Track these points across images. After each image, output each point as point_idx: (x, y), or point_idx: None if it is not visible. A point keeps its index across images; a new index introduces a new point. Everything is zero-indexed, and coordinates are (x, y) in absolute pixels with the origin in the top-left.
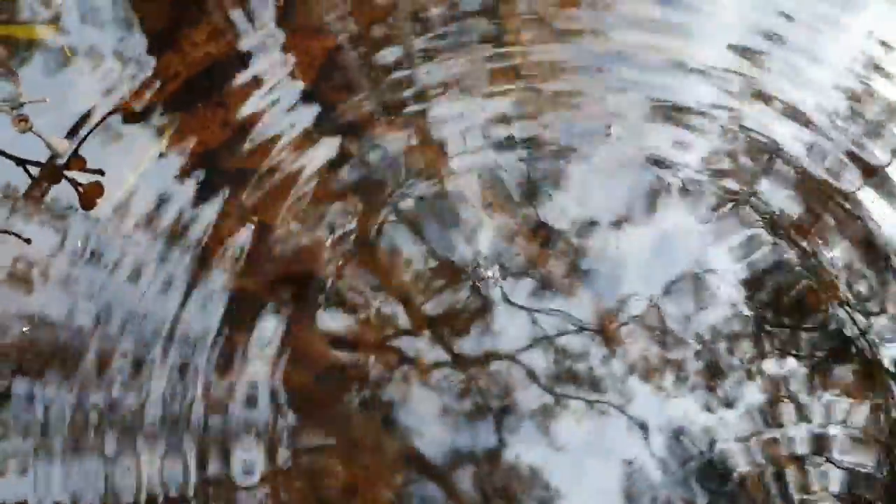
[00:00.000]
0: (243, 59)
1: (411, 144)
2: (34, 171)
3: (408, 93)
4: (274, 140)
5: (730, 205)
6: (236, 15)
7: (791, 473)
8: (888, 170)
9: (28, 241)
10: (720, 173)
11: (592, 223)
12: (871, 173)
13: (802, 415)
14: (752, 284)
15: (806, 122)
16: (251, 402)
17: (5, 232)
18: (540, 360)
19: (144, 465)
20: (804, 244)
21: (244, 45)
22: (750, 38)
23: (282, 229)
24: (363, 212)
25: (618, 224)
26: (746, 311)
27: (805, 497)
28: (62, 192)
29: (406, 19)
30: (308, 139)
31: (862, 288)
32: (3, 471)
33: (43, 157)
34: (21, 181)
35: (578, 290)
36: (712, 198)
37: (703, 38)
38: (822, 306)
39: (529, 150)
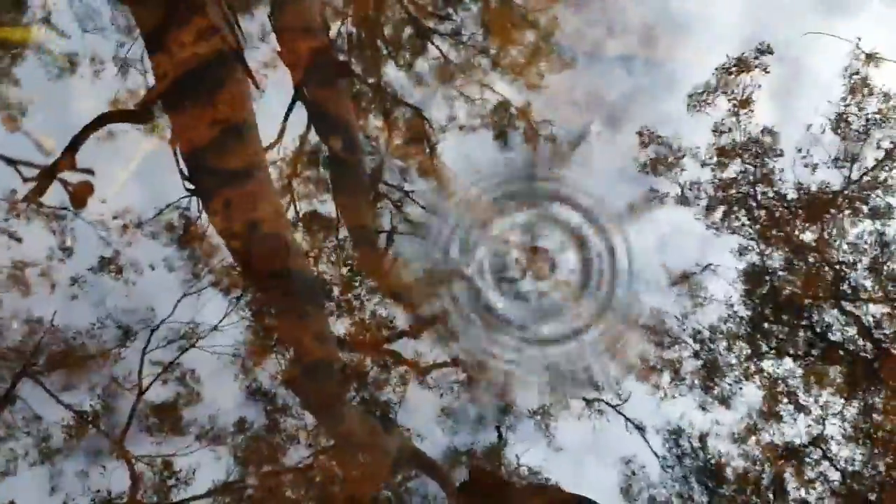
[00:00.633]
0: (231, 60)
1: (403, 143)
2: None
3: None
4: (261, 139)
5: (726, 207)
6: (224, 16)
7: (787, 470)
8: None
9: (19, 240)
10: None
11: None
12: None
13: (798, 413)
14: (749, 285)
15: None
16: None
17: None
18: (538, 360)
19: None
20: (797, 246)
21: (232, 45)
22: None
23: (268, 226)
24: (357, 211)
25: (616, 224)
26: (743, 312)
27: (801, 493)
28: (56, 192)
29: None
30: (296, 139)
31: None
32: (11, 470)
33: (34, 158)
34: (13, 182)
35: (576, 289)
36: (710, 200)
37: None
38: (815, 307)
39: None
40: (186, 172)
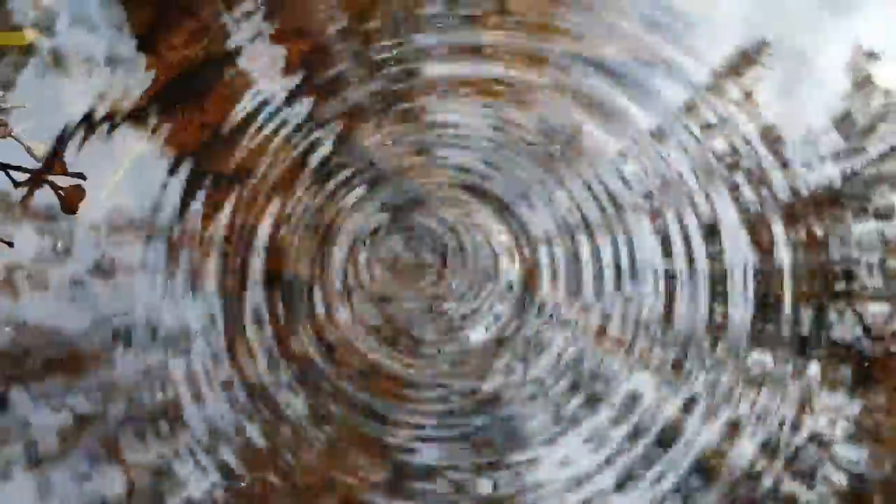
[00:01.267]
0: (222, 62)
1: (399, 144)
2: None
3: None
4: (254, 142)
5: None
6: (216, 17)
7: (788, 471)
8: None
9: (10, 244)
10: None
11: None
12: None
13: (798, 412)
14: (756, 283)
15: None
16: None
17: None
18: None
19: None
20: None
21: (223, 47)
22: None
23: (263, 230)
24: (353, 212)
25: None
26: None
27: (802, 495)
28: (47, 197)
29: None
30: (288, 141)
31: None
32: (4, 476)
33: (24, 162)
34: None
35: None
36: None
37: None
38: (823, 306)
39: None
40: (182, 173)
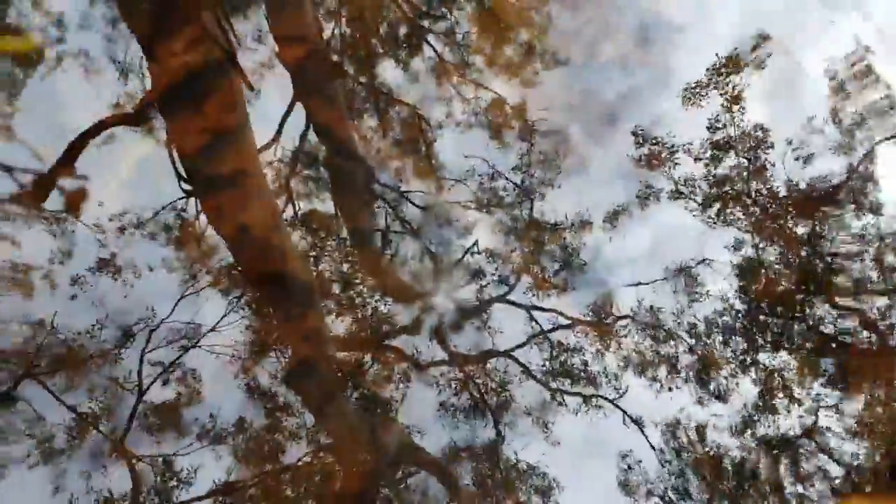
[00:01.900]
0: (225, 65)
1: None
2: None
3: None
4: (252, 144)
5: (721, 203)
6: (217, 21)
7: (784, 464)
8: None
9: (18, 244)
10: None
11: (585, 221)
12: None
13: (794, 406)
14: (744, 279)
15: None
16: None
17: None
18: (535, 357)
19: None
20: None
21: (225, 50)
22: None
23: (261, 230)
24: (353, 212)
25: (611, 221)
26: (739, 305)
27: (799, 485)
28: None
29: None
30: (296, 137)
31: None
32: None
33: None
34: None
35: (572, 286)
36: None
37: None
38: (809, 301)
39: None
40: (183, 174)
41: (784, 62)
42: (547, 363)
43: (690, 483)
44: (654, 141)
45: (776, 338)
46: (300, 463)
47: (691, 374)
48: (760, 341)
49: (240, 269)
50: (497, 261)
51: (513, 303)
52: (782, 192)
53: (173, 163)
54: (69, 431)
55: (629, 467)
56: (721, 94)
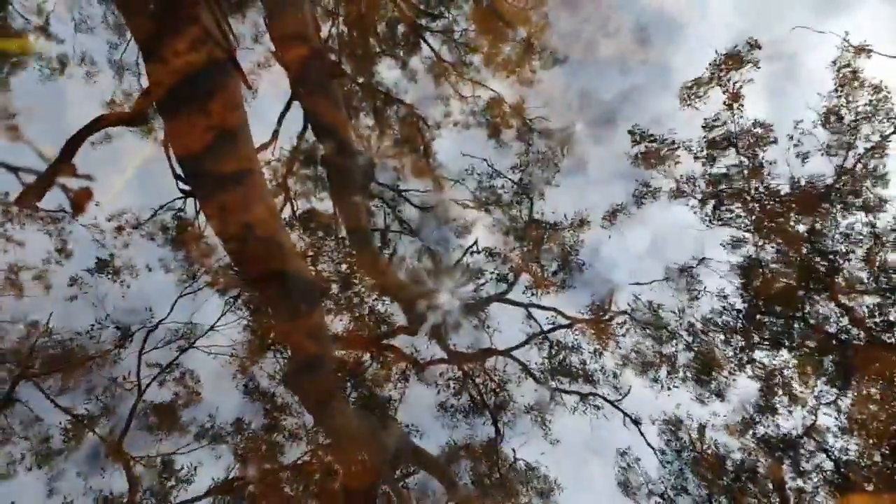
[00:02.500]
0: (224, 66)
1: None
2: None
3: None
4: (254, 144)
5: (718, 201)
6: (217, 21)
7: (784, 462)
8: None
9: (21, 244)
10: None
11: (584, 220)
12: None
13: (794, 404)
14: (744, 278)
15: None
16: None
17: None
18: (535, 356)
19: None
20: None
21: (224, 51)
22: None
23: (261, 229)
24: (351, 212)
25: (610, 220)
26: (738, 304)
27: (798, 483)
28: (53, 197)
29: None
30: (293, 137)
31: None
32: (10, 473)
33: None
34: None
35: (571, 285)
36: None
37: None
38: (809, 300)
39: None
40: (181, 174)
41: (783, 62)
42: (546, 362)
43: (689, 482)
44: (651, 139)
45: (776, 336)
46: (299, 462)
47: (688, 373)
48: (757, 339)
49: (238, 268)
50: (496, 260)
51: (512, 301)
52: (784, 190)
53: (170, 161)
54: (65, 433)
55: (629, 466)
56: (723, 91)
